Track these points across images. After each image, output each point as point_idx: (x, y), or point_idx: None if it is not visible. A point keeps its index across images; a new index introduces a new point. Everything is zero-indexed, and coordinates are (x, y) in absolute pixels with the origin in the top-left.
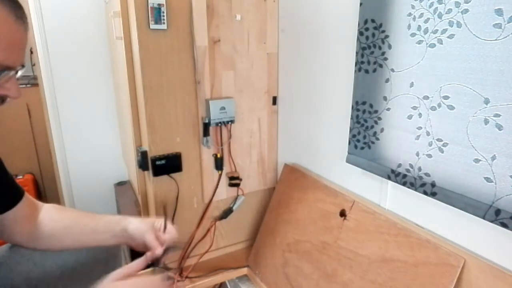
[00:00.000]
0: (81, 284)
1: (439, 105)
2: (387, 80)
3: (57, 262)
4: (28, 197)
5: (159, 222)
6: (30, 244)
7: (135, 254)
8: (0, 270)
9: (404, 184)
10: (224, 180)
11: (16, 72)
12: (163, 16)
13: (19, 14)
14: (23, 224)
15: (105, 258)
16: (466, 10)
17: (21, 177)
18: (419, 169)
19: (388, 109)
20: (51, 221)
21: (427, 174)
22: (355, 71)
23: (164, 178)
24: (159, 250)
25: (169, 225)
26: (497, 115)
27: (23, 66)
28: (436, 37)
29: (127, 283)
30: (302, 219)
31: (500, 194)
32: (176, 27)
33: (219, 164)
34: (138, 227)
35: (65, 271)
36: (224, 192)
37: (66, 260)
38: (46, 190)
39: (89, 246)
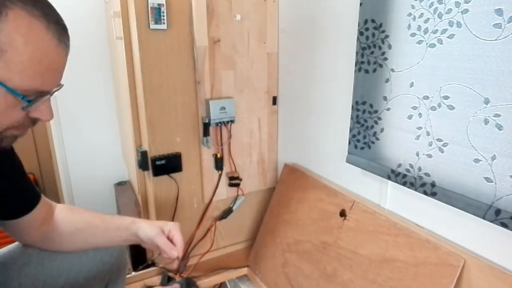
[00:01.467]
0: (86, 286)
1: (439, 105)
2: (387, 80)
3: (63, 264)
4: (45, 199)
5: (168, 226)
6: (43, 245)
7: (136, 257)
8: (9, 272)
9: (404, 184)
10: (224, 180)
11: (51, 94)
12: (163, 16)
13: (62, 37)
14: (38, 226)
15: (110, 261)
16: (466, 10)
17: None
18: (419, 169)
19: (388, 109)
20: (64, 222)
21: (427, 174)
22: (355, 71)
23: (164, 178)
24: (174, 252)
25: (178, 236)
26: (497, 115)
27: (59, 85)
28: (436, 37)
29: None
30: (302, 219)
31: (500, 194)
32: (176, 27)
33: (219, 164)
34: (147, 233)
35: (70, 273)
36: (224, 192)
37: (72, 262)
38: (46, 190)
39: (100, 247)
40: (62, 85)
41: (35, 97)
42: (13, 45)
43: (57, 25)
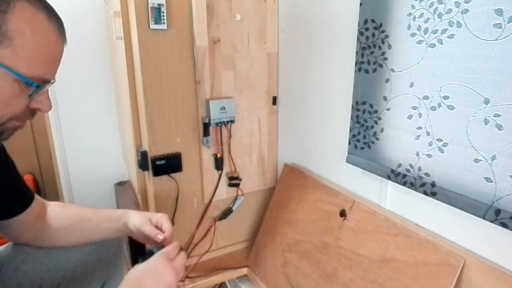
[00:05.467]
0: (83, 283)
1: (439, 105)
2: (387, 80)
3: (60, 261)
4: (38, 199)
5: (156, 216)
6: (36, 242)
7: (135, 254)
8: (6, 270)
9: (404, 184)
10: (224, 180)
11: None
12: (163, 16)
13: (62, 29)
14: (31, 225)
15: (107, 257)
16: (466, 10)
17: None
18: (419, 169)
19: (388, 109)
20: (56, 218)
21: (427, 174)
22: (355, 71)
23: (164, 178)
24: (159, 236)
25: (166, 223)
26: (497, 115)
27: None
28: (436, 37)
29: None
30: (302, 219)
31: (500, 194)
32: (176, 27)
33: (219, 164)
34: (135, 223)
35: (68, 270)
36: (224, 192)
37: (69, 259)
38: (46, 190)
39: (93, 241)
40: (55, 80)
41: (40, 83)
42: (20, 33)
43: (56, 18)
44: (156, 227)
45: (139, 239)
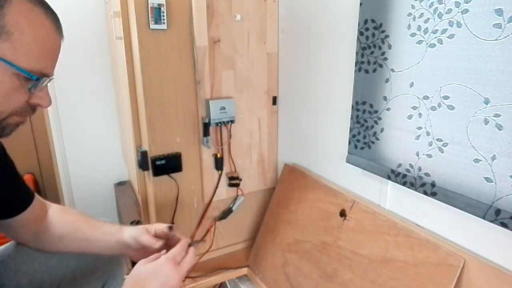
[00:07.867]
0: (83, 283)
1: (439, 105)
2: (387, 80)
3: (60, 262)
4: (38, 199)
5: (152, 227)
6: (34, 245)
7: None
8: (6, 270)
9: (404, 184)
10: (224, 180)
11: (49, 81)
12: (163, 16)
13: (58, 24)
14: (31, 225)
15: (107, 259)
16: (466, 10)
17: None
18: (419, 169)
19: (388, 109)
20: (54, 224)
21: (427, 174)
22: (355, 71)
23: (164, 178)
24: (157, 244)
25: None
26: (497, 115)
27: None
28: (436, 37)
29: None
30: (302, 219)
31: (500, 194)
32: (176, 27)
33: (219, 164)
34: (131, 234)
35: (68, 270)
36: (224, 192)
37: (69, 260)
38: (46, 190)
39: (85, 254)
40: (53, 77)
41: (39, 77)
42: (19, 27)
43: (52, 13)
44: (155, 237)
45: (134, 255)
